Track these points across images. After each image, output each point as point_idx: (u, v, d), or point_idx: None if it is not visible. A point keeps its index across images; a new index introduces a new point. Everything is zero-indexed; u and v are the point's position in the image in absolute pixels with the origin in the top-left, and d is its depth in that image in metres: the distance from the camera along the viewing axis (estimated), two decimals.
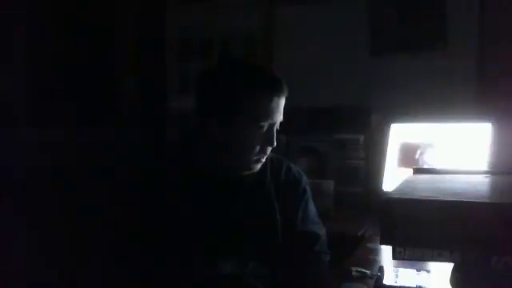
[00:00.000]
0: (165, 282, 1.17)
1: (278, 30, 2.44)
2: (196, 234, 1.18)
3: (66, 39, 2.38)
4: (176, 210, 1.18)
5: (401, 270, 1.24)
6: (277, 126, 1.21)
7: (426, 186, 0.93)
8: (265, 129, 1.18)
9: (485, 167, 1.55)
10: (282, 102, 1.19)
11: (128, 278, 1.19)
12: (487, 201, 0.79)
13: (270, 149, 1.22)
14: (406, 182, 0.97)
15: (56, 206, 2.10)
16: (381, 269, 1.22)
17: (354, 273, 1.27)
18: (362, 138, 2.17)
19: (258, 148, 1.19)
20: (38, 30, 2.30)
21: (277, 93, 1.17)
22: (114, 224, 1.26)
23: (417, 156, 1.80)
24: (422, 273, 1.22)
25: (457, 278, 0.88)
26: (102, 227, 1.32)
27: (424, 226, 0.76)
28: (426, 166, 1.69)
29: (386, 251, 1.40)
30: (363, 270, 1.28)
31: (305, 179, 1.35)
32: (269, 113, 1.17)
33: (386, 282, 1.18)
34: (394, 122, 1.91)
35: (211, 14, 2.53)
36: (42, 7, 2.31)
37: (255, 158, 1.21)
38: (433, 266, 1.23)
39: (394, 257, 0.78)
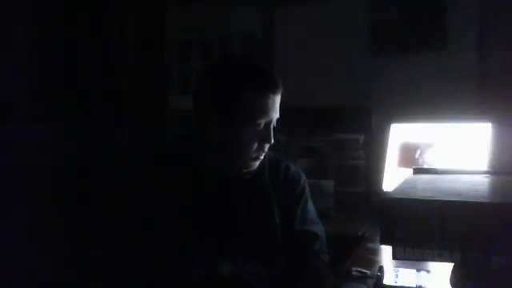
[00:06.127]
0: (164, 282, 1.17)
1: (277, 30, 2.44)
2: (195, 233, 1.18)
3: (66, 39, 2.38)
4: (175, 210, 1.18)
5: (401, 269, 1.24)
6: (273, 123, 1.21)
7: (426, 186, 0.93)
8: (262, 126, 1.18)
9: (485, 167, 1.55)
10: (278, 99, 1.20)
11: (127, 277, 1.19)
12: (487, 201, 0.79)
13: (267, 146, 1.22)
14: (406, 182, 0.96)
15: (56, 205, 2.11)
16: (381, 269, 1.22)
17: (353, 273, 1.27)
18: (362, 138, 2.16)
19: (255, 146, 1.20)
20: (38, 31, 2.30)
21: (272, 90, 1.17)
22: (114, 224, 1.26)
23: (417, 156, 1.80)
24: (422, 273, 1.22)
25: (457, 278, 0.88)
26: (101, 227, 1.32)
27: (424, 226, 0.75)
28: (425, 166, 1.68)
29: (386, 251, 1.40)
30: (363, 270, 1.28)
31: (303, 179, 1.35)
32: (265, 110, 1.17)
33: (386, 282, 1.17)
34: (394, 122, 1.90)
35: (211, 14, 2.53)
36: (41, 7, 2.31)
37: (253, 155, 1.21)
38: (433, 266, 1.23)
39: (394, 257, 0.78)
